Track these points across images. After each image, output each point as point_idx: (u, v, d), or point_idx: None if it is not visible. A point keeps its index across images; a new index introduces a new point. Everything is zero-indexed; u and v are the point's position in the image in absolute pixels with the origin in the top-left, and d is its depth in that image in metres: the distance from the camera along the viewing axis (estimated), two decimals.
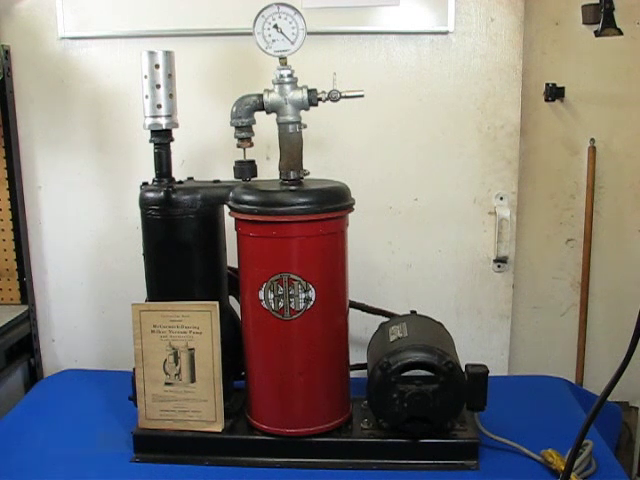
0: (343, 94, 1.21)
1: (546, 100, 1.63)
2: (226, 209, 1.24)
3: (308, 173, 1.23)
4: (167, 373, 1.25)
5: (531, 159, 1.67)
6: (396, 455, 1.20)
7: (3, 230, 1.65)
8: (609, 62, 1.60)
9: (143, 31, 1.54)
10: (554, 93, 1.62)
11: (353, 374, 1.31)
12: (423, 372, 1.16)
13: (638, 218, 1.69)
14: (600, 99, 1.63)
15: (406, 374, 1.16)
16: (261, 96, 1.21)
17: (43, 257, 1.70)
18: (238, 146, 1.24)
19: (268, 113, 1.22)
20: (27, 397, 1.56)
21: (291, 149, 1.21)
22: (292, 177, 1.21)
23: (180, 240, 1.23)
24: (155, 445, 1.25)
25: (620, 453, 1.68)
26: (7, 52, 1.57)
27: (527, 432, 1.26)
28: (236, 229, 1.21)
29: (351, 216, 1.22)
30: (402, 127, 1.59)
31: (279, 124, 1.21)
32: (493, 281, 1.66)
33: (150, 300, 1.27)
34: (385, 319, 1.41)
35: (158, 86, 1.22)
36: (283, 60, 1.20)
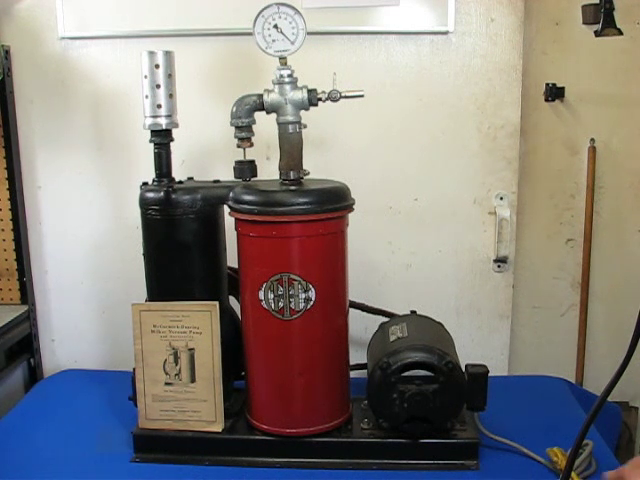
0: (343, 94, 1.21)
1: (546, 100, 1.63)
2: (226, 209, 1.24)
3: (308, 173, 1.23)
4: (167, 373, 1.24)
5: (531, 159, 1.67)
6: (396, 455, 1.20)
7: (3, 230, 1.65)
8: (609, 62, 1.60)
9: (143, 31, 1.54)
10: (554, 93, 1.62)
11: (353, 374, 1.31)
12: (423, 372, 1.16)
13: (638, 218, 1.69)
14: (600, 99, 1.63)
15: (406, 374, 1.16)
16: (261, 96, 1.21)
17: (43, 257, 1.70)
18: (238, 146, 1.24)
19: (268, 113, 1.22)
20: (27, 397, 1.56)
21: (291, 149, 1.21)
22: (292, 177, 1.21)
23: (180, 240, 1.23)
24: (155, 445, 1.25)
25: (620, 453, 1.68)
26: (7, 52, 1.57)
27: (527, 432, 1.26)
28: (236, 229, 1.21)
29: (351, 216, 1.22)
30: (402, 127, 1.59)
31: (279, 124, 1.21)
32: (493, 281, 1.66)
33: (150, 300, 1.27)
34: (385, 319, 1.41)
35: (158, 86, 1.22)
36: (283, 60, 1.20)
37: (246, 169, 1.24)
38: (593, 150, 1.65)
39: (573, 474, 1.10)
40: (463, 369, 1.19)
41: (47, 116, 1.62)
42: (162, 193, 1.21)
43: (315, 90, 1.20)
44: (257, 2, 1.20)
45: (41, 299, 1.73)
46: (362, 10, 1.53)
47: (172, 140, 1.27)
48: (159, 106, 1.22)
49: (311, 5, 1.48)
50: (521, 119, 1.59)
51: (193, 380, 1.24)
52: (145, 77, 1.22)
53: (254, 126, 1.23)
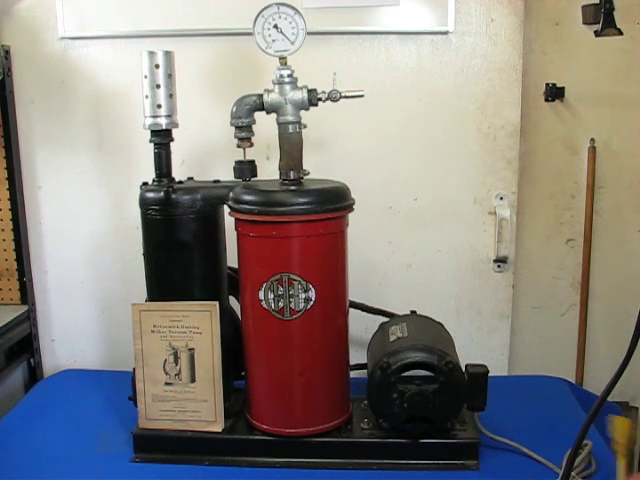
0: (343, 94, 1.21)
1: (546, 100, 1.63)
2: (226, 209, 1.24)
3: (308, 173, 1.23)
4: (167, 373, 1.24)
5: (531, 159, 1.67)
6: (396, 455, 1.20)
7: (3, 230, 1.65)
8: (609, 62, 1.60)
9: (143, 31, 1.54)
10: (554, 93, 1.62)
11: (353, 374, 1.31)
12: (423, 372, 1.16)
13: (638, 218, 1.69)
14: (600, 99, 1.63)
15: (406, 374, 1.16)
16: (261, 96, 1.21)
17: (43, 257, 1.70)
18: (238, 146, 1.24)
19: (268, 113, 1.22)
20: (27, 397, 1.56)
21: (291, 149, 1.21)
22: (292, 177, 1.21)
23: (180, 240, 1.23)
24: (155, 445, 1.25)
25: None
26: (7, 52, 1.57)
27: (527, 432, 1.27)
28: (236, 229, 1.21)
29: (351, 216, 1.22)
30: (402, 127, 1.59)
31: (279, 124, 1.21)
32: (493, 281, 1.66)
33: (150, 300, 1.27)
34: (385, 319, 1.41)
35: (158, 86, 1.22)
36: (283, 60, 1.20)
37: (246, 169, 1.24)
38: (593, 150, 1.65)
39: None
40: (463, 369, 1.19)
41: (47, 116, 1.62)
42: (162, 193, 1.21)
43: (315, 90, 1.20)
44: (257, 2, 1.20)
45: (41, 299, 1.73)
46: (362, 10, 1.53)
47: (172, 140, 1.27)
48: (159, 106, 1.22)
49: (311, 5, 1.48)
50: (521, 119, 1.59)
51: (193, 380, 1.24)
52: (145, 77, 1.22)
53: (254, 126, 1.23)
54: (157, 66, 1.21)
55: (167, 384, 1.25)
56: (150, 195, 1.23)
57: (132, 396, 1.27)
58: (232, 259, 1.27)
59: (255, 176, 1.26)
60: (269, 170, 1.34)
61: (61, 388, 1.57)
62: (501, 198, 1.62)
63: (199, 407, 1.24)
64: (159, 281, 1.26)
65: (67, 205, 1.67)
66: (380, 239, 1.65)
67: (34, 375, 1.72)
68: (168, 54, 1.22)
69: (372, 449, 1.21)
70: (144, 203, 1.24)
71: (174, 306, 1.23)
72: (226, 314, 1.29)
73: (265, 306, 1.17)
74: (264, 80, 1.24)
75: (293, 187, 1.19)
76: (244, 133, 1.23)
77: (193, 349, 1.23)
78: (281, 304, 1.16)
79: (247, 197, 1.17)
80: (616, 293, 1.72)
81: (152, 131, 1.24)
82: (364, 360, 1.35)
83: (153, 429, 1.26)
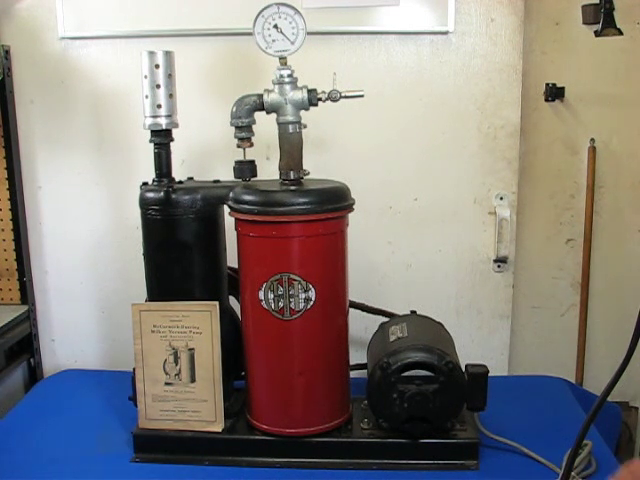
0: (343, 94, 1.21)
1: (546, 100, 1.63)
2: (226, 209, 1.24)
3: (308, 173, 1.23)
4: (167, 373, 1.24)
5: (531, 159, 1.67)
6: (396, 455, 1.20)
7: (3, 230, 1.65)
8: (609, 62, 1.60)
9: (143, 31, 1.54)
10: (554, 93, 1.62)
11: (353, 374, 1.31)
12: (423, 372, 1.16)
13: (638, 218, 1.69)
14: (600, 99, 1.63)
15: (406, 374, 1.16)
16: (261, 96, 1.21)
17: (43, 257, 1.70)
18: (238, 146, 1.24)
19: (268, 113, 1.22)
20: (27, 397, 1.56)
21: (291, 149, 1.21)
22: (292, 177, 1.21)
23: (180, 240, 1.23)
24: (155, 445, 1.25)
25: (620, 453, 1.68)
26: (7, 52, 1.57)
27: (527, 432, 1.27)
28: (236, 229, 1.21)
29: (351, 216, 1.22)
30: (402, 127, 1.59)
31: (279, 124, 1.21)
32: (493, 281, 1.66)
33: (150, 300, 1.27)
34: (385, 319, 1.41)
35: (158, 86, 1.22)
36: (283, 60, 1.20)
37: (246, 169, 1.24)
38: (593, 150, 1.65)
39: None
40: (463, 369, 1.19)
41: (47, 116, 1.62)
42: (162, 193, 1.21)
43: (315, 90, 1.20)
44: (257, 2, 1.20)
45: (41, 299, 1.73)
46: (362, 10, 1.53)
47: (172, 140, 1.27)
48: (159, 106, 1.22)
49: (311, 5, 1.48)
50: (521, 119, 1.59)
51: (193, 380, 1.24)
52: (145, 77, 1.22)
53: (254, 126, 1.23)
54: (157, 66, 1.21)
55: (167, 384, 1.25)
56: (150, 195, 1.23)
57: (132, 396, 1.27)
58: (232, 259, 1.27)
59: (255, 176, 1.26)
60: (269, 170, 1.34)
61: (61, 388, 1.57)
62: (501, 198, 1.62)
63: (199, 407, 1.24)
64: (159, 281, 1.26)
65: (67, 205, 1.67)
66: (380, 239, 1.65)
67: (34, 375, 1.72)
68: (168, 54, 1.22)
69: (372, 449, 1.21)
70: (144, 203, 1.24)
71: (174, 306, 1.23)
72: (226, 314, 1.29)
73: (265, 306, 1.17)
74: (264, 80, 1.24)
75: (293, 187, 1.19)
76: (244, 133, 1.23)
77: (193, 349, 1.23)
78: (281, 304, 1.16)
79: (247, 197, 1.17)
80: (616, 293, 1.72)
81: (152, 131, 1.24)
82: (364, 360, 1.35)
83: (153, 429, 1.26)
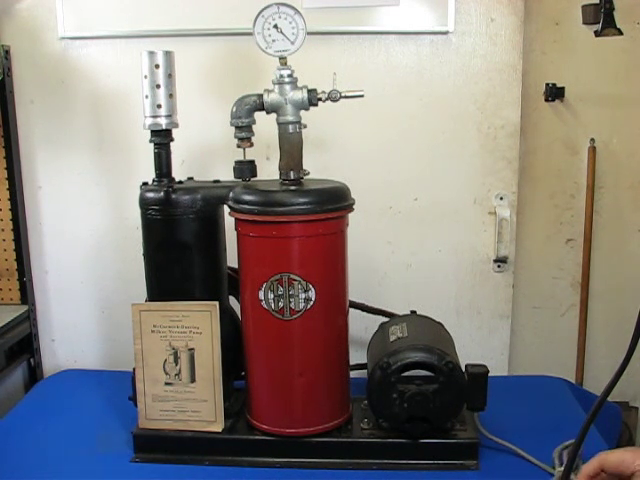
0: (343, 94, 1.21)
1: (546, 100, 1.63)
2: (226, 209, 1.24)
3: (308, 173, 1.23)
4: (167, 373, 1.24)
5: (531, 159, 1.67)
6: (396, 455, 1.20)
7: (3, 230, 1.65)
8: (609, 62, 1.60)
9: (143, 31, 1.54)
10: (554, 93, 1.62)
11: (353, 374, 1.31)
12: (423, 372, 1.16)
13: (638, 218, 1.69)
14: (600, 99, 1.63)
15: (406, 374, 1.16)
16: (261, 96, 1.21)
17: (43, 257, 1.70)
18: (238, 146, 1.24)
19: (268, 113, 1.22)
20: (27, 397, 1.56)
21: (291, 149, 1.21)
22: (292, 177, 1.21)
23: (180, 240, 1.23)
24: (155, 445, 1.25)
25: None
26: (7, 52, 1.57)
27: (527, 432, 1.26)
28: (236, 229, 1.21)
29: (351, 216, 1.22)
30: (402, 127, 1.59)
31: (279, 124, 1.21)
32: (493, 281, 1.66)
33: (150, 300, 1.27)
34: (385, 319, 1.41)
35: (158, 86, 1.22)
36: (283, 60, 1.20)
37: (246, 169, 1.24)
38: (593, 150, 1.65)
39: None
40: (463, 369, 1.19)
41: (47, 116, 1.62)
42: (162, 193, 1.21)
43: (315, 90, 1.20)
44: (257, 2, 1.20)
45: (41, 299, 1.73)
46: (362, 10, 1.53)
47: (172, 140, 1.27)
48: (159, 106, 1.22)
49: (311, 5, 1.48)
50: (521, 119, 1.59)
51: (193, 380, 1.24)
52: (145, 77, 1.21)
53: (254, 126, 1.23)
54: (157, 66, 1.21)
55: (167, 384, 1.25)
56: (150, 195, 1.23)
57: (132, 396, 1.27)
58: (232, 259, 1.27)
59: (255, 176, 1.26)
60: (269, 170, 1.34)
61: (61, 388, 1.57)
62: (501, 198, 1.62)
63: (199, 407, 1.24)
64: (159, 281, 1.26)
65: (67, 205, 1.67)
66: (380, 239, 1.65)
67: (34, 375, 1.72)
68: (168, 54, 1.22)
69: (372, 449, 1.21)
70: (144, 203, 1.24)
71: (174, 306, 1.23)
72: (226, 314, 1.28)
73: (265, 306, 1.17)
74: (264, 80, 1.24)
75: (293, 187, 1.19)
76: (244, 133, 1.22)
77: (193, 349, 1.23)
78: (281, 304, 1.16)
79: (247, 197, 1.17)
80: (616, 293, 1.72)
81: (152, 131, 1.24)
82: (364, 360, 1.35)
83: (153, 429, 1.26)
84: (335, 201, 1.17)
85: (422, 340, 1.21)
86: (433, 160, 1.61)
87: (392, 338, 1.24)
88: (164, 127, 1.23)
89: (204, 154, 1.60)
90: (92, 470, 1.21)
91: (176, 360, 1.24)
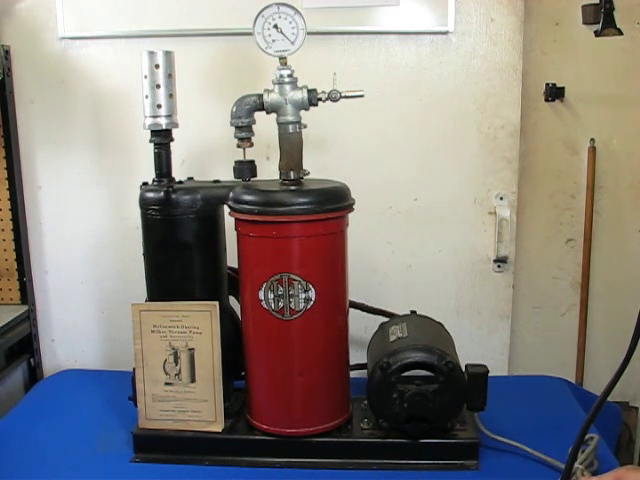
0: (343, 94, 1.21)
1: (546, 100, 1.63)
2: (226, 209, 1.24)
3: (308, 173, 1.23)
4: (167, 373, 1.24)
5: (531, 159, 1.67)
6: (396, 455, 1.20)
7: (3, 230, 1.65)
8: (609, 62, 1.60)
9: (143, 31, 1.54)
10: (554, 93, 1.62)
11: (353, 374, 1.31)
12: (423, 372, 1.16)
13: (638, 218, 1.69)
14: (600, 99, 1.63)
15: (406, 374, 1.16)
16: (261, 96, 1.21)
17: (43, 257, 1.70)
18: (238, 146, 1.24)
19: (268, 113, 1.22)
20: (27, 397, 1.56)
21: (291, 149, 1.21)
22: (292, 177, 1.21)
23: (180, 240, 1.23)
24: (155, 445, 1.25)
25: (620, 453, 1.68)
26: (7, 52, 1.57)
27: (527, 432, 1.26)
28: (236, 229, 1.21)
29: (351, 216, 1.22)
30: (402, 127, 1.59)
31: (279, 124, 1.21)
32: (493, 281, 1.66)
33: (150, 300, 1.27)
34: (385, 319, 1.41)
35: (158, 86, 1.22)
36: (283, 60, 1.20)
37: (246, 169, 1.24)
38: (593, 150, 1.65)
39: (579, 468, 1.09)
40: (463, 369, 1.19)
41: (47, 116, 1.62)
42: (162, 193, 1.21)
43: (315, 90, 1.20)
44: (257, 2, 1.20)
45: (41, 299, 1.73)
46: (362, 10, 1.53)
47: (172, 140, 1.27)
48: (159, 106, 1.22)
49: (311, 5, 1.48)
50: (521, 119, 1.59)
51: (193, 380, 1.24)
52: (145, 77, 1.21)
53: (254, 126, 1.23)
54: (157, 66, 1.21)
55: (167, 384, 1.25)
56: (150, 195, 1.23)
57: (132, 396, 1.27)
58: (232, 259, 1.27)
59: (255, 176, 1.26)
60: (269, 170, 1.34)
61: (61, 388, 1.57)
62: (501, 198, 1.62)
63: (199, 407, 1.24)
64: (159, 281, 1.26)
65: (67, 205, 1.67)
66: (380, 239, 1.65)
67: (34, 375, 1.72)
68: (168, 54, 1.22)
69: (372, 449, 1.21)
70: (144, 203, 1.24)
71: (174, 306, 1.23)
72: (226, 314, 1.28)
73: (265, 306, 1.17)
74: (264, 80, 1.24)
75: (293, 187, 1.19)
76: (244, 133, 1.22)
77: (193, 349, 1.23)
78: (281, 304, 1.16)
79: (247, 197, 1.17)
80: (616, 293, 1.72)
81: (152, 131, 1.24)
82: (364, 360, 1.35)
83: (153, 429, 1.26)
84: (335, 201, 1.17)
85: (422, 340, 1.21)
86: (433, 160, 1.61)
87: (392, 338, 1.24)
88: (164, 127, 1.23)
89: (204, 154, 1.60)
90: (92, 470, 1.21)
91: (176, 360, 1.24)
